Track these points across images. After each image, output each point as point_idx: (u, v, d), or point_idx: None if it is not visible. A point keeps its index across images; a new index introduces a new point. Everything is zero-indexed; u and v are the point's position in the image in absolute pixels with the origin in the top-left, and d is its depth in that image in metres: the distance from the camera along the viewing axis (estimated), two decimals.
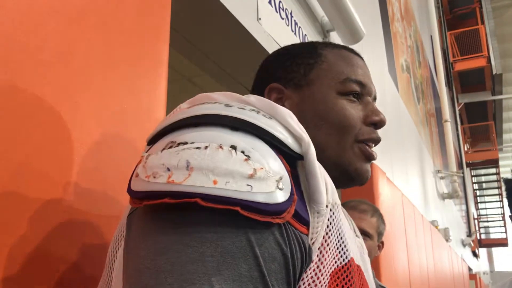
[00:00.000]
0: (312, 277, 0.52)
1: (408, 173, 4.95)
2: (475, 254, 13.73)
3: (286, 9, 2.15)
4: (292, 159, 0.55)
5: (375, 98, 0.78)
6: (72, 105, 0.75)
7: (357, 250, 0.64)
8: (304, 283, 0.52)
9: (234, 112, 0.54)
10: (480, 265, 16.00)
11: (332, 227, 0.56)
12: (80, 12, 0.80)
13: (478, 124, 16.19)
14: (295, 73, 0.76)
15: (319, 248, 0.54)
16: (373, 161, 2.55)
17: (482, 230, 19.20)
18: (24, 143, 0.66)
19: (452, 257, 7.55)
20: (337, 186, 0.69)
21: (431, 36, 8.54)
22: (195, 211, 0.47)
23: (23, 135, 0.67)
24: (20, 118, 0.66)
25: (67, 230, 0.71)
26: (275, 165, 0.51)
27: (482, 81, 13.73)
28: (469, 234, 11.45)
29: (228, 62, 2.04)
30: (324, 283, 0.53)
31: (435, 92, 8.75)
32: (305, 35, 2.39)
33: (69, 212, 0.72)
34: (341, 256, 0.56)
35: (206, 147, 0.49)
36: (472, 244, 11.95)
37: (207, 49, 1.90)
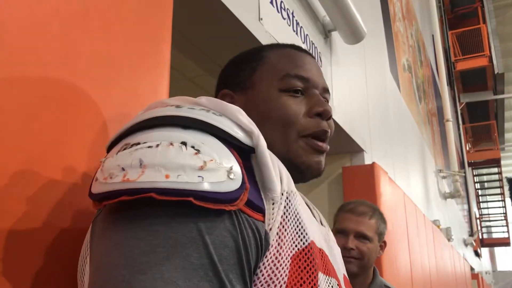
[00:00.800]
0: (273, 260, 0.55)
1: (410, 173, 4.95)
2: (477, 254, 13.71)
3: (287, 9, 2.15)
4: (244, 153, 0.58)
5: (325, 91, 0.79)
6: (75, 107, 0.76)
7: (320, 235, 0.68)
8: (265, 266, 0.55)
9: (184, 112, 0.57)
10: (482, 265, 15.98)
11: (289, 213, 0.59)
12: (83, 14, 0.80)
13: (480, 123, 16.18)
14: (241, 77, 0.79)
15: (277, 233, 0.57)
16: (375, 161, 2.53)
17: (484, 230, 19.19)
18: (27, 145, 0.67)
19: (454, 256, 7.54)
20: (295, 181, 0.72)
21: (433, 36, 8.53)
22: (150, 206, 0.49)
23: (27, 137, 0.67)
24: (23, 120, 0.67)
25: (72, 232, 0.72)
26: (225, 157, 0.54)
27: (484, 80, 13.72)
28: (471, 234, 11.44)
29: None
30: (285, 265, 0.56)
31: (437, 91, 8.74)
32: (307, 35, 2.39)
33: (72, 214, 0.72)
34: (301, 240, 0.59)
35: (157, 145, 0.52)
36: (474, 244, 11.94)
37: (209, 49, 1.90)
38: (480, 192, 19.46)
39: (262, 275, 0.55)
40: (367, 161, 3.13)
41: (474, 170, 17.78)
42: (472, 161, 16.16)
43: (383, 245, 1.73)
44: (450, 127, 7.92)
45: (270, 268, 0.55)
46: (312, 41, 2.46)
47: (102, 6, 0.84)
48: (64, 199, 0.71)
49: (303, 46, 2.29)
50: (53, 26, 0.74)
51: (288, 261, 0.56)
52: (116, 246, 0.49)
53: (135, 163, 0.51)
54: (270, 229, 0.56)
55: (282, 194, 0.59)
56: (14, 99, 0.66)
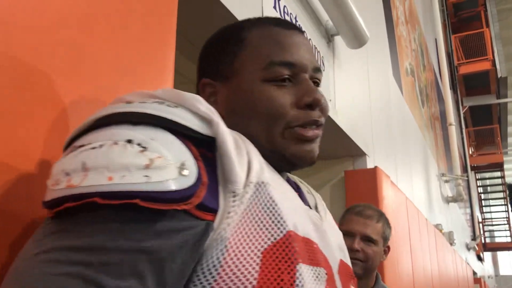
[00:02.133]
0: (235, 257, 0.51)
1: (413, 177, 4.94)
2: (479, 258, 13.66)
3: (290, 13, 2.16)
4: (206, 143, 0.55)
5: (316, 71, 0.71)
6: (80, 112, 0.76)
7: (308, 222, 0.62)
8: (226, 265, 0.50)
9: (134, 107, 0.54)
10: (484, 269, 15.92)
11: (259, 205, 0.55)
12: (89, 20, 0.81)
13: (483, 127, 16.14)
14: (222, 64, 0.71)
15: (239, 228, 0.52)
16: (378, 165, 2.53)
17: (486, 234, 19.13)
18: (32, 149, 0.68)
19: (457, 260, 7.52)
20: (285, 171, 0.71)
21: (436, 40, 8.53)
22: (95, 211, 0.47)
23: (33, 141, 0.68)
24: (30, 124, 0.68)
25: None
26: (176, 151, 0.50)
27: (487, 84, 13.69)
28: (474, 238, 11.41)
29: None
30: (253, 261, 0.51)
31: (440, 95, 8.73)
32: (310, 39, 2.40)
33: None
34: (276, 231, 0.54)
35: (101, 146, 0.49)
36: (477, 248, 11.90)
37: None
38: (483, 196, 19.40)
39: (221, 276, 0.50)
40: (370, 165, 3.14)
41: (476, 174, 17.73)
42: (475, 165, 16.12)
43: (386, 249, 1.73)
44: (453, 131, 7.91)
45: (234, 265, 0.50)
46: (315, 45, 2.47)
47: (107, 11, 0.85)
48: None
49: None
50: (58, 31, 0.75)
51: (258, 257, 0.52)
52: (45, 258, 0.45)
53: (78, 167, 0.48)
54: (228, 224, 0.51)
55: (249, 185, 0.55)
56: (21, 104, 0.67)
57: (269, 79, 0.67)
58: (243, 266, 0.50)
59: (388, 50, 4.47)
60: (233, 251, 0.51)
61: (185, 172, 0.49)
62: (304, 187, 0.80)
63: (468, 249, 10.58)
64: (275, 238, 0.54)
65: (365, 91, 3.46)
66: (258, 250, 0.52)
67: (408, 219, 3.82)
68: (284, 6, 2.09)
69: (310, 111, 0.67)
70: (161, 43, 1.00)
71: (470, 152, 15.59)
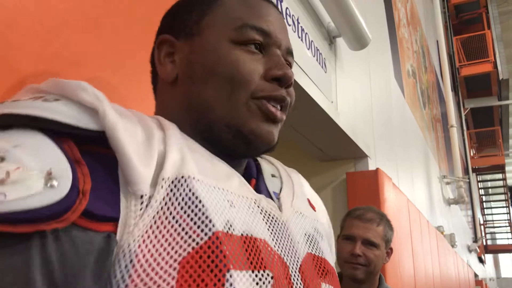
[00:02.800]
0: (140, 276, 0.42)
1: (414, 179, 4.94)
2: (481, 260, 13.65)
3: (293, 15, 2.17)
4: (103, 140, 0.46)
5: (288, 53, 0.65)
6: None
7: (254, 218, 0.53)
8: (134, 284, 0.41)
9: (6, 107, 0.45)
10: (486, 271, 15.90)
11: (174, 206, 0.46)
12: (93, 22, 0.81)
13: (484, 129, 16.13)
14: (187, 21, 0.63)
15: (148, 237, 0.43)
16: (379, 167, 2.52)
17: (488, 236, 19.10)
18: None
19: (458, 263, 7.51)
20: (239, 155, 0.61)
21: (437, 41, 8.53)
22: None
23: None
24: None
25: None
26: (42, 158, 0.41)
27: (489, 86, 13.69)
28: (475, 240, 11.39)
29: None
30: (168, 274, 0.42)
31: (441, 97, 8.73)
32: (312, 41, 2.40)
33: None
34: (197, 235, 0.45)
35: None
36: (478, 250, 11.89)
37: None
38: (484, 198, 19.39)
39: None
40: (371, 166, 3.14)
41: (478, 176, 17.73)
42: (476, 167, 16.11)
43: (389, 252, 1.73)
44: (454, 132, 7.91)
45: (143, 283, 0.41)
46: (317, 47, 2.47)
47: (110, 13, 0.86)
48: None
49: (308, 53, 2.30)
50: (63, 33, 0.75)
51: (174, 268, 0.43)
52: None
53: None
54: (131, 234, 0.43)
55: (160, 184, 0.46)
56: None
57: (238, 41, 0.60)
58: (155, 283, 0.41)
59: (389, 52, 4.47)
60: (141, 266, 0.42)
61: (54, 182, 0.40)
62: (273, 169, 0.70)
63: (470, 251, 10.56)
64: (197, 243, 0.45)
65: (367, 93, 3.47)
66: (175, 261, 0.43)
67: (410, 221, 3.82)
68: (287, 8, 2.09)
69: (278, 86, 0.60)
70: None
71: (472, 154, 15.58)
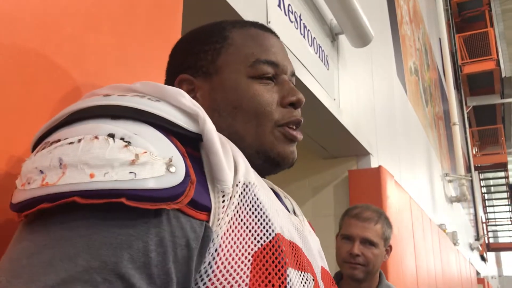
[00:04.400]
0: (227, 260, 0.48)
1: (416, 176, 4.93)
2: (483, 258, 13.63)
3: (295, 12, 2.16)
4: (190, 141, 0.52)
5: (293, 75, 0.73)
6: None
7: (291, 227, 0.61)
8: (218, 269, 0.47)
9: (113, 100, 0.51)
10: (488, 269, 15.88)
11: (247, 206, 0.53)
12: (94, 17, 0.81)
13: (486, 127, 16.10)
14: (203, 61, 0.69)
15: (228, 230, 0.49)
16: (381, 164, 2.53)
17: (490, 234, 19.08)
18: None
19: (460, 261, 7.50)
20: (264, 174, 0.68)
21: (440, 39, 8.51)
22: (75, 212, 0.42)
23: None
24: (35, 121, 0.67)
25: None
26: (163, 147, 0.47)
27: (491, 84, 13.67)
28: (477, 238, 11.38)
29: None
30: (244, 265, 0.48)
31: (444, 95, 8.71)
32: (314, 38, 2.39)
33: None
34: (265, 234, 0.52)
35: (79, 140, 0.45)
36: (480, 248, 11.88)
37: None
38: (486, 196, 19.35)
39: (212, 281, 0.46)
40: (373, 164, 3.13)
41: (480, 174, 17.70)
42: (479, 165, 16.09)
43: (388, 249, 1.72)
44: (457, 130, 7.89)
45: (226, 269, 0.47)
46: (319, 44, 2.46)
47: (111, 7, 0.85)
48: None
49: (311, 50, 2.29)
50: (63, 27, 0.74)
51: (249, 260, 0.49)
52: (19, 256, 0.41)
53: (54, 164, 0.43)
54: (219, 226, 0.49)
55: (237, 185, 0.52)
56: (26, 100, 0.67)
57: (255, 76, 0.67)
58: (235, 271, 0.47)
59: (392, 49, 4.46)
60: (224, 255, 0.48)
61: (173, 169, 0.45)
62: (280, 192, 0.78)
63: (472, 249, 10.55)
64: (264, 241, 0.51)
65: (369, 90, 3.46)
66: (249, 254, 0.49)
67: (412, 219, 3.81)
68: (289, 5, 2.08)
69: (293, 110, 0.68)
70: (166, 40, 1.00)
71: (474, 152, 15.55)
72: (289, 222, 0.61)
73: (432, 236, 4.79)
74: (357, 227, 1.65)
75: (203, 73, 0.68)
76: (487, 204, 19.34)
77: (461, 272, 7.47)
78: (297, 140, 0.69)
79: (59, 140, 0.46)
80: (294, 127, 0.69)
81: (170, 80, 0.72)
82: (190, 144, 0.52)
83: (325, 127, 2.62)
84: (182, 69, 0.70)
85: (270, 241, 0.52)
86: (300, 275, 0.53)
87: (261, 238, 0.51)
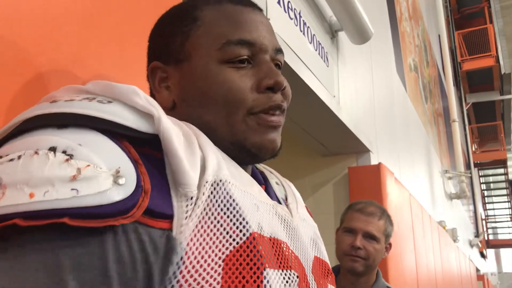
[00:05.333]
0: (194, 269, 0.44)
1: (416, 173, 4.94)
2: (482, 255, 13.66)
3: (294, 9, 2.15)
4: (152, 142, 0.48)
5: (277, 52, 0.65)
6: None
7: (275, 220, 0.56)
8: (184, 279, 0.44)
9: (59, 107, 0.47)
10: (488, 266, 15.91)
11: (215, 207, 0.49)
12: (94, 15, 0.80)
13: (486, 124, 16.11)
14: (172, 46, 0.63)
15: (195, 236, 0.46)
16: (381, 161, 2.51)
17: (490, 231, 19.10)
18: None
19: (460, 257, 7.52)
20: (246, 164, 0.63)
21: (439, 36, 8.50)
22: (19, 234, 0.39)
23: None
24: None
25: None
26: (109, 156, 0.44)
27: (490, 80, 13.66)
28: (477, 235, 11.40)
29: None
30: (214, 271, 0.45)
31: (443, 91, 8.71)
32: (314, 35, 2.39)
33: None
34: (237, 235, 0.48)
35: (19, 157, 0.42)
36: (480, 245, 11.89)
37: None
38: (486, 193, 19.38)
39: None
40: (373, 161, 3.13)
41: (480, 171, 17.72)
42: (478, 162, 16.09)
43: (388, 247, 1.73)
44: (456, 127, 7.89)
45: (193, 279, 0.44)
46: (319, 41, 2.46)
47: (111, 6, 0.85)
48: None
49: (310, 46, 2.29)
50: (62, 27, 0.74)
51: (219, 266, 0.45)
52: None
53: None
54: (182, 233, 0.45)
55: (204, 186, 0.48)
56: (25, 99, 0.66)
57: (225, 60, 0.60)
58: (203, 279, 0.44)
59: (391, 46, 4.45)
60: (191, 263, 0.44)
61: (121, 180, 0.42)
62: (273, 176, 0.73)
63: (471, 246, 10.57)
64: (237, 243, 0.48)
65: (369, 87, 3.45)
66: (219, 259, 0.46)
67: (412, 216, 3.81)
68: (288, 2, 2.08)
69: (272, 94, 0.61)
70: None
71: (473, 149, 15.56)
72: (273, 215, 0.56)
73: (432, 233, 4.79)
74: (361, 221, 1.66)
75: (174, 60, 0.63)
76: (486, 201, 19.37)
77: (461, 269, 7.48)
78: (276, 125, 0.61)
79: (0, 157, 0.43)
80: (276, 112, 0.62)
81: (147, 70, 0.67)
82: (149, 144, 0.49)
83: (324, 124, 2.61)
84: (155, 56, 0.66)
85: (244, 242, 0.48)
86: (281, 274, 0.50)
87: (233, 239, 0.48)
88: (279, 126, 0.63)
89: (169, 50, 0.64)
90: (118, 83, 0.85)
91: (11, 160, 0.42)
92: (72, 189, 0.40)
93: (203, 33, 0.62)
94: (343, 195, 3.03)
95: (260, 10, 0.67)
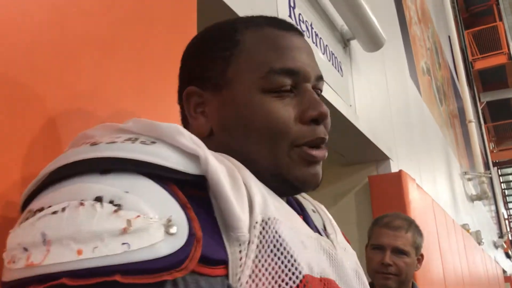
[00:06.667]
0: None
1: (436, 178, 4.86)
2: (508, 256, 13.39)
3: (306, 21, 2.14)
4: (196, 182, 0.46)
5: (318, 79, 0.62)
6: None
7: (322, 257, 0.54)
8: None
9: (102, 150, 0.44)
10: None
11: (265, 249, 0.46)
12: (112, 43, 0.79)
13: (502, 122, 15.90)
14: (211, 71, 0.60)
15: (252, 280, 0.43)
16: (401, 168, 2.46)
17: None
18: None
19: (486, 260, 7.37)
20: (285, 196, 0.60)
21: (449, 37, 8.44)
22: None
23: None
24: (57, 151, 0.66)
25: None
26: (159, 203, 0.41)
27: (504, 78, 13.52)
28: (501, 235, 11.19)
29: None
30: None
31: (457, 92, 8.62)
32: (326, 45, 2.37)
33: None
34: (290, 279, 0.45)
35: (63, 209, 0.39)
36: (505, 246, 11.67)
37: None
38: (506, 192, 19.05)
39: None
40: (394, 169, 3.08)
41: (499, 170, 17.45)
42: (497, 161, 15.86)
43: (420, 258, 1.68)
44: (473, 128, 7.79)
45: None
46: (331, 51, 2.43)
47: (128, 32, 0.84)
48: None
49: (322, 57, 2.26)
50: (81, 54, 0.73)
51: None
52: None
53: (37, 240, 0.39)
54: (239, 279, 0.43)
55: (254, 227, 0.46)
56: (47, 137, 0.65)
57: (268, 89, 0.57)
58: None
59: (403, 51, 4.42)
60: None
61: (173, 229, 0.40)
62: (308, 203, 0.70)
63: (496, 247, 10.37)
64: (290, 287, 0.45)
65: (384, 94, 3.42)
66: None
67: (436, 221, 3.74)
68: (299, 14, 2.06)
69: (316, 126, 0.58)
70: None
71: (491, 148, 15.35)
72: (318, 251, 0.54)
73: (456, 237, 4.70)
74: (388, 236, 1.61)
75: (212, 86, 0.60)
76: (508, 200, 19.04)
77: (487, 271, 7.33)
78: (321, 160, 0.60)
79: (42, 209, 0.41)
80: (320, 146, 0.59)
81: (181, 89, 0.64)
82: (194, 184, 0.46)
83: (342, 134, 2.58)
84: (190, 80, 0.62)
85: (297, 286, 0.45)
86: None
87: (286, 283, 0.45)
88: (320, 160, 0.60)
89: (208, 75, 0.61)
90: (138, 109, 0.84)
91: (55, 212, 0.40)
92: (123, 244, 0.38)
93: (245, 60, 0.59)
94: (365, 205, 2.98)
95: (302, 34, 0.64)
